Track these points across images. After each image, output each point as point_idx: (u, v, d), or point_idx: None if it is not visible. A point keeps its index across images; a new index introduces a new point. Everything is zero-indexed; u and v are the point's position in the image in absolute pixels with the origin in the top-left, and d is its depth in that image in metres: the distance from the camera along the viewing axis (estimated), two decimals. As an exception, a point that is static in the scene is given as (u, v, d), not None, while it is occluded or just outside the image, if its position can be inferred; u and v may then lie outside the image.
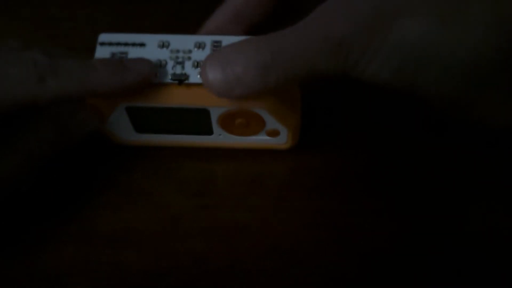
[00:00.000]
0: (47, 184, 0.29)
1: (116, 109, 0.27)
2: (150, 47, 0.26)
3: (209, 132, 0.29)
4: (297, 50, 0.22)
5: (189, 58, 0.26)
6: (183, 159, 0.30)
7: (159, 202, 0.29)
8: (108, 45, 0.26)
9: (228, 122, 0.28)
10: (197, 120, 0.28)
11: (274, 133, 0.29)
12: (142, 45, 0.26)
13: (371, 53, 0.22)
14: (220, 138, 0.29)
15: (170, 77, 0.26)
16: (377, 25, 0.21)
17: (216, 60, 0.24)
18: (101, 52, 0.26)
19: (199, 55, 0.26)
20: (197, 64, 0.26)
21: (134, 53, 0.26)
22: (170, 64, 0.26)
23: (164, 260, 0.27)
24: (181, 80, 0.26)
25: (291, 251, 0.28)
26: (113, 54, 0.26)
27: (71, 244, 0.28)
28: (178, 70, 0.26)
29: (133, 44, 0.26)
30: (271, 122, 0.27)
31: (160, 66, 0.26)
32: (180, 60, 0.26)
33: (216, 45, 0.26)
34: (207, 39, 0.27)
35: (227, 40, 0.26)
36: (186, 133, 0.29)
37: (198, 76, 0.26)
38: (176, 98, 0.26)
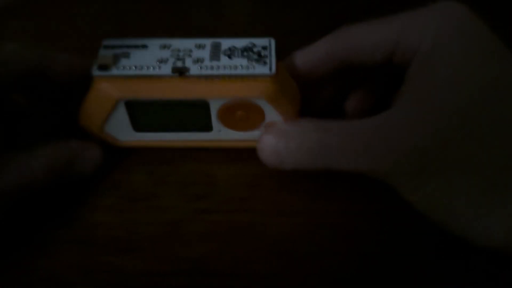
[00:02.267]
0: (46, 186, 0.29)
1: (116, 105, 0.27)
2: (152, 48, 0.27)
3: (209, 128, 0.29)
4: (346, 154, 0.24)
5: (190, 56, 0.27)
6: (183, 162, 0.30)
7: (159, 205, 0.29)
8: (111, 48, 0.27)
9: (228, 116, 0.28)
10: (197, 115, 0.28)
11: None
12: (144, 46, 0.27)
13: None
14: (220, 134, 0.29)
15: (170, 70, 0.26)
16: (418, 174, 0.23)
17: (274, 131, 0.25)
18: (104, 53, 0.27)
19: (200, 53, 0.27)
20: (197, 60, 0.26)
21: (136, 54, 0.27)
22: (171, 60, 0.26)
23: (164, 264, 0.27)
24: (181, 72, 0.26)
25: (292, 254, 0.28)
26: (115, 56, 0.27)
27: (71, 248, 0.28)
28: (179, 64, 0.26)
29: (135, 46, 0.27)
30: (271, 114, 0.27)
31: (161, 61, 0.27)
32: (181, 57, 0.27)
33: (216, 46, 0.27)
34: (207, 41, 0.28)
35: (226, 43, 0.27)
36: (185, 130, 0.29)
37: (199, 67, 0.26)
38: (176, 91, 0.26)
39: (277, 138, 0.25)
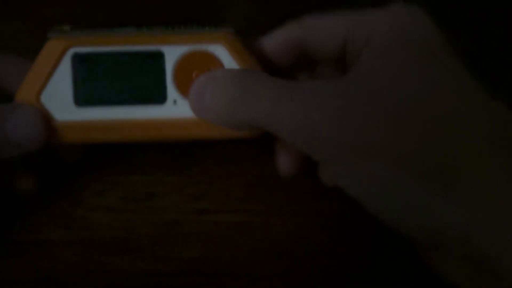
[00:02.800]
0: (46, 186, 0.29)
1: (62, 58, 0.25)
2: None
3: (162, 95, 0.26)
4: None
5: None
6: (182, 162, 0.30)
7: (159, 205, 0.29)
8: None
9: (184, 76, 0.26)
10: (150, 75, 0.26)
11: None
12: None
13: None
14: (175, 109, 0.26)
15: (128, 28, 0.26)
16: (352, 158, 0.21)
17: (208, 73, 0.24)
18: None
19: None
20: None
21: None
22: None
23: (163, 264, 0.27)
24: (139, 28, 0.26)
25: (291, 254, 0.28)
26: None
27: (71, 248, 0.28)
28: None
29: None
30: (231, 66, 0.26)
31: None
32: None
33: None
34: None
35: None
36: (134, 101, 0.26)
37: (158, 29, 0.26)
38: (130, 40, 0.25)
39: (205, 81, 0.24)
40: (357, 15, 0.25)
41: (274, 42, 0.27)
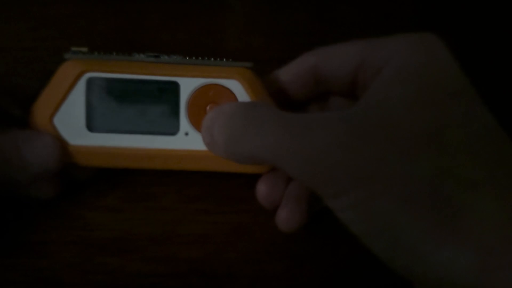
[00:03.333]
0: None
1: (77, 82, 0.25)
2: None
3: (175, 127, 0.26)
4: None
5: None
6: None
7: (158, 206, 0.29)
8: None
9: (198, 108, 0.26)
10: (164, 105, 0.26)
11: None
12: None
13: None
14: (186, 141, 0.26)
15: (145, 55, 0.25)
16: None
17: (218, 107, 0.24)
18: None
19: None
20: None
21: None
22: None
23: (163, 265, 0.27)
24: (156, 55, 0.25)
25: (291, 254, 0.28)
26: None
27: (70, 248, 0.28)
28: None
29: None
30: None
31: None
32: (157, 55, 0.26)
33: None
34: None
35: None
36: (147, 131, 0.26)
37: (174, 57, 0.26)
38: (146, 68, 0.25)
39: (214, 115, 0.24)
40: (371, 42, 0.24)
41: (289, 72, 0.27)
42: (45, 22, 0.31)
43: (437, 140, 0.20)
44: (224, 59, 0.26)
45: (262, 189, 0.27)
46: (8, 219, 0.28)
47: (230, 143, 0.23)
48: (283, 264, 0.27)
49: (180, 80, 0.26)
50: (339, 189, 0.20)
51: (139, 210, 0.29)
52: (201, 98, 0.26)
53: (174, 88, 0.26)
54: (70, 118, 0.25)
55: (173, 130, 0.26)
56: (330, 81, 0.26)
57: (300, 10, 0.32)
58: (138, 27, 0.32)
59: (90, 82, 0.25)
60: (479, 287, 0.19)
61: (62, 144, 0.25)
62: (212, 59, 0.26)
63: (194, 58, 0.26)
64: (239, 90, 0.26)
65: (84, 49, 0.25)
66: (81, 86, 0.25)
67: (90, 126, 0.26)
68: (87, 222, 0.28)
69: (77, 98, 0.25)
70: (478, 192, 0.20)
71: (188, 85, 0.26)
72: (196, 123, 0.26)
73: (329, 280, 0.27)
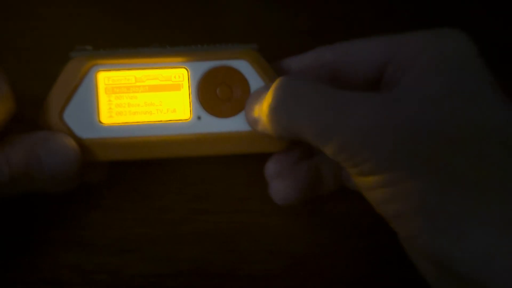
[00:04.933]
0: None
1: (86, 76, 0.25)
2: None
3: (186, 111, 0.26)
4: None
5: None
6: (182, 162, 0.30)
7: (158, 206, 0.29)
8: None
9: (209, 92, 0.26)
10: (175, 90, 0.26)
11: None
12: None
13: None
14: (200, 125, 0.26)
15: (151, 47, 0.26)
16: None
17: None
18: None
19: None
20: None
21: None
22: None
23: (163, 265, 0.27)
24: (163, 46, 0.26)
25: (291, 255, 0.28)
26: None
27: (70, 248, 0.28)
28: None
29: None
30: (256, 87, 0.26)
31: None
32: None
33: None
34: None
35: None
36: (158, 118, 0.26)
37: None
38: (154, 57, 0.25)
39: (259, 91, 0.24)
40: (397, 38, 0.24)
41: (302, 63, 0.26)
42: (45, 22, 0.31)
43: (476, 134, 0.20)
44: (230, 44, 0.26)
45: (271, 167, 0.26)
46: (8, 219, 0.28)
47: (274, 110, 0.23)
48: (283, 264, 0.27)
49: (189, 65, 0.26)
50: (376, 167, 0.20)
51: (139, 210, 0.29)
52: (211, 81, 0.26)
53: (183, 73, 0.26)
54: (81, 113, 0.25)
55: (185, 115, 0.26)
56: (349, 78, 0.26)
57: (300, 10, 0.32)
58: (138, 27, 0.32)
59: (98, 75, 0.25)
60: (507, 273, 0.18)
61: (73, 137, 0.25)
62: (217, 45, 0.26)
63: (199, 45, 0.26)
64: (248, 70, 0.26)
65: (89, 47, 0.26)
66: (89, 79, 0.25)
67: (101, 118, 0.26)
68: (87, 222, 0.28)
69: (87, 92, 0.25)
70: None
71: (197, 69, 0.26)
72: (207, 106, 0.26)
73: (329, 280, 0.27)
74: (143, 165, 0.30)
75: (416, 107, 0.21)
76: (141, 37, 0.32)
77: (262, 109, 0.24)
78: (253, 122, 0.25)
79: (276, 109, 0.23)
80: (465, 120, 0.21)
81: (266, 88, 0.24)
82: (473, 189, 0.19)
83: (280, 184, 0.26)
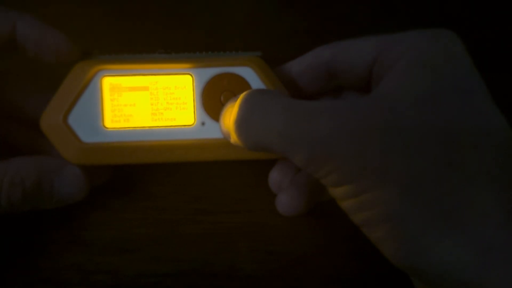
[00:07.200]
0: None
1: (92, 80, 0.25)
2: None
3: (190, 117, 0.26)
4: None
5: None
6: (182, 163, 0.30)
7: (158, 205, 0.29)
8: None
9: (213, 98, 0.26)
10: (179, 95, 0.26)
11: None
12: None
13: None
14: (203, 131, 0.26)
15: (156, 53, 0.26)
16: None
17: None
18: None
19: None
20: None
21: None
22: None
23: (162, 265, 0.27)
24: (168, 52, 0.26)
25: (290, 254, 0.28)
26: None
27: (70, 248, 0.28)
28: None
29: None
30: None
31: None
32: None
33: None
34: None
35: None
36: (162, 123, 0.26)
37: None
38: (160, 64, 0.26)
39: (230, 103, 0.24)
40: (387, 37, 0.24)
41: (302, 64, 0.27)
42: (45, 22, 0.31)
43: (445, 134, 0.20)
44: (234, 52, 0.27)
45: (274, 176, 0.27)
46: (8, 219, 0.28)
47: (238, 126, 0.22)
48: (284, 264, 0.27)
49: (194, 71, 0.26)
50: (342, 178, 0.20)
51: (139, 210, 0.29)
52: (215, 88, 0.26)
53: (188, 79, 0.26)
54: (86, 117, 0.26)
55: (189, 120, 0.26)
56: (344, 75, 0.26)
57: (300, 10, 0.32)
58: (138, 27, 0.32)
59: (104, 80, 0.26)
60: (479, 283, 0.19)
61: (77, 141, 0.25)
62: (221, 52, 0.26)
63: (204, 52, 0.26)
64: (252, 77, 0.26)
65: (96, 51, 0.26)
66: (95, 84, 0.26)
67: (106, 122, 0.26)
68: (87, 222, 0.28)
69: (92, 97, 0.26)
70: (481, 187, 0.20)
71: (201, 76, 0.26)
72: (212, 112, 0.26)
73: (329, 280, 0.27)
74: (144, 166, 0.30)
75: (376, 112, 0.20)
76: (141, 37, 0.32)
77: (230, 124, 0.23)
78: (226, 134, 0.25)
79: (241, 126, 0.22)
80: (431, 124, 0.20)
81: (234, 101, 0.24)
82: (437, 199, 0.19)
83: (284, 197, 0.26)
